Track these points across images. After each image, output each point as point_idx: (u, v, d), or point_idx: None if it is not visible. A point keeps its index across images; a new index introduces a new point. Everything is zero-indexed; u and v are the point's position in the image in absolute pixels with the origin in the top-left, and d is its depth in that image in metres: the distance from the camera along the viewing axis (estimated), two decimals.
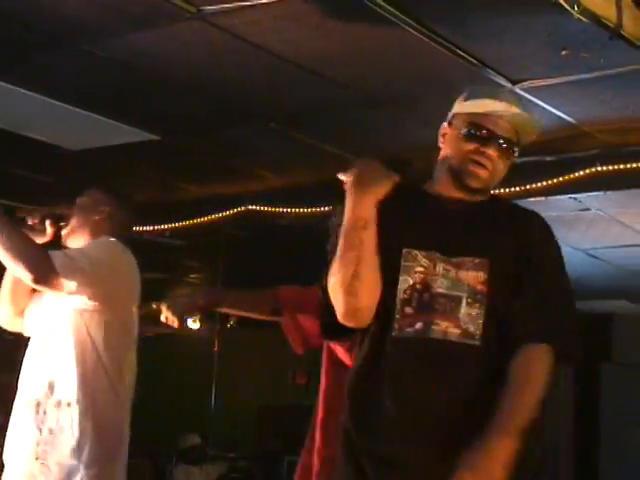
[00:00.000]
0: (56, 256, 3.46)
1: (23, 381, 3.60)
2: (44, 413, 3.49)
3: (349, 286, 2.53)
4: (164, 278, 10.61)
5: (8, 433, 3.57)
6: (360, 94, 5.34)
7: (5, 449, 3.57)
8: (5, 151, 6.42)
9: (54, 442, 3.46)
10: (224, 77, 5.22)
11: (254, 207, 7.39)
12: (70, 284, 3.44)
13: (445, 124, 2.78)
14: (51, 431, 3.47)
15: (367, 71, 5.00)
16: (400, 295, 2.58)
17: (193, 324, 11.89)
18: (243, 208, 7.43)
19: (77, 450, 3.44)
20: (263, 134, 6.12)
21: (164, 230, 7.86)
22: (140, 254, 8.85)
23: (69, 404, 3.47)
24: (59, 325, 3.56)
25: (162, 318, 3.29)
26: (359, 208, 2.56)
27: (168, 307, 3.28)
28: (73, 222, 3.79)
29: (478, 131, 2.67)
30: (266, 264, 8.35)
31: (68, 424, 3.45)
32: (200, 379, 10.91)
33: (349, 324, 2.61)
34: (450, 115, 2.78)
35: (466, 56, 4.67)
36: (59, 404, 3.48)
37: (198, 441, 9.91)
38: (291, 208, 7.21)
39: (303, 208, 7.15)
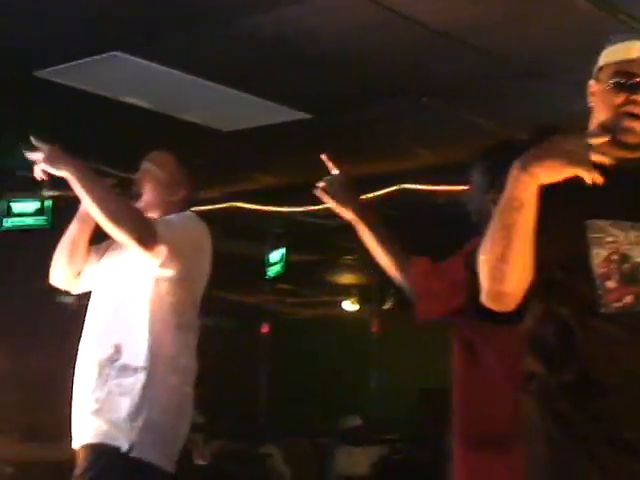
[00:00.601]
0: (156, 223, 3.42)
1: (87, 340, 3.54)
2: (107, 375, 3.43)
3: (495, 270, 2.36)
4: (319, 260, 10.61)
5: (73, 391, 3.54)
6: (515, 64, 5.14)
7: (74, 407, 3.54)
8: (158, 134, 6.45)
9: (112, 403, 3.40)
10: (374, 51, 5.11)
11: (408, 186, 7.23)
12: (163, 253, 3.38)
13: (592, 81, 2.58)
14: (110, 392, 3.41)
15: (521, 39, 4.80)
16: (596, 269, 2.40)
17: (351, 305, 11.88)
18: (397, 187, 7.28)
19: (133, 415, 3.37)
20: (415, 109, 5.97)
21: (317, 211, 7.80)
22: (294, 236, 8.88)
23: (135, 369, 3.39)
24: (134, 290, 3.48)
25: None
26: (516, 187, 2.34)
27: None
28: (148, 196, 3.65)
29: (625, 79, 2.46)
30: (421, 244, 8.20)
31: (129, 389, 3.39)
32: (360, 360, 10.89)
33: (492, 307, 2.44)
34: (596, 70, 2.57)
35: (634, 23, 4.42)
36: (125, 368, 3.41)
37: (359, 422, 9.87)
38: (446, 185, 7.02)
39: (459, 185, 6.96)
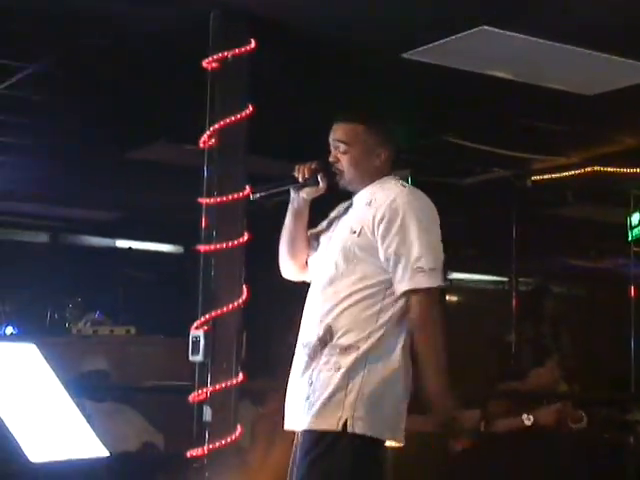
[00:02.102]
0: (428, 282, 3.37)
1: (304, 322, 3.53)
2: (319, 356, 3.39)
3: None
4: None
5: (291, 373, 3.55)
6: None
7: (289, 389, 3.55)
8: (519, 103, 6.45)
9: (323, 382, 3.36)
10: None
11: None
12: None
13: None
14: (320, 372, 3.37)
15: None
16: None
17: None
18: None
19: (344, 390, 3.31)
20: None
21: None
22: None
23: (343, 348, 3.35)
24: (342, 269, 3.43)
25: None
26: None
27: None
28: (351, 174, 3.50)
29: None
30: None
31: (336, 367, 3.34)
32: None
33: None
34: None
35: None
36: (334, 347, 3.37)
37: None
38: None
39: None
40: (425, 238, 3.36)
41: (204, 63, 4.94)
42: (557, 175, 7.94)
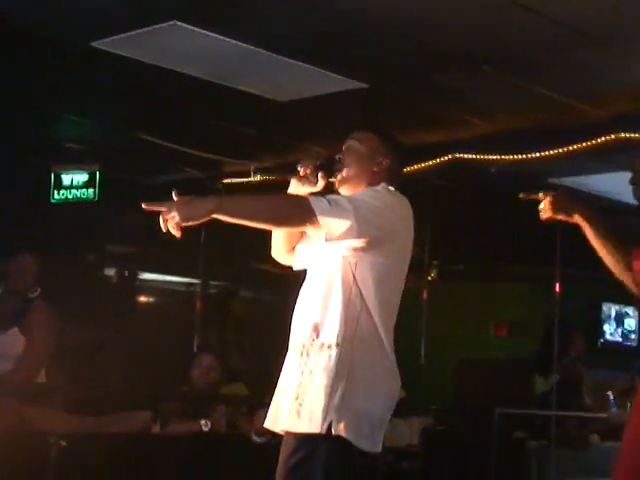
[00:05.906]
0: (316, 200, 3.32)
1: (294, 324, 3.57)
2: (307, 355, 3.45)
3: None
4: None
5: (281, 375, 3.58)
6: (584, 33, 5.01)
7: (277, 390, 3.59)
8: (212, 103, 6.41)
9: (312, 382, 3.42)
10: (434, 18, 5.00)
11: (461, 155, 7.14)
12: (332, 228, 3.31)
13: None
14: (310, 372, 3.43)
15: (591, 7, 4.68)
16: None
17: None
18: (450, 156, 7.19)
19: (330, 391, 3.36)
20: (473, 78, 5.87)
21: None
22: None
23: (329, 346, 3.40)
24: (327, 268, 3.49)
25: None
26: None
27: None
28: (348, 171, 3.57)
29: None
30: (475, 215, 8.12)
31: (325, 366, 3.40)
32: (404, 332, 10.82)
33: None
34: None
35: None
36: (322, 347, 3.42)
37: (403, 394, 9.81)
38: (501, 155, 6.93)
39: (514, 155, 6.87)
40: (356, 198, 3.38)
41: None
42: (247, 180, 7.96)
